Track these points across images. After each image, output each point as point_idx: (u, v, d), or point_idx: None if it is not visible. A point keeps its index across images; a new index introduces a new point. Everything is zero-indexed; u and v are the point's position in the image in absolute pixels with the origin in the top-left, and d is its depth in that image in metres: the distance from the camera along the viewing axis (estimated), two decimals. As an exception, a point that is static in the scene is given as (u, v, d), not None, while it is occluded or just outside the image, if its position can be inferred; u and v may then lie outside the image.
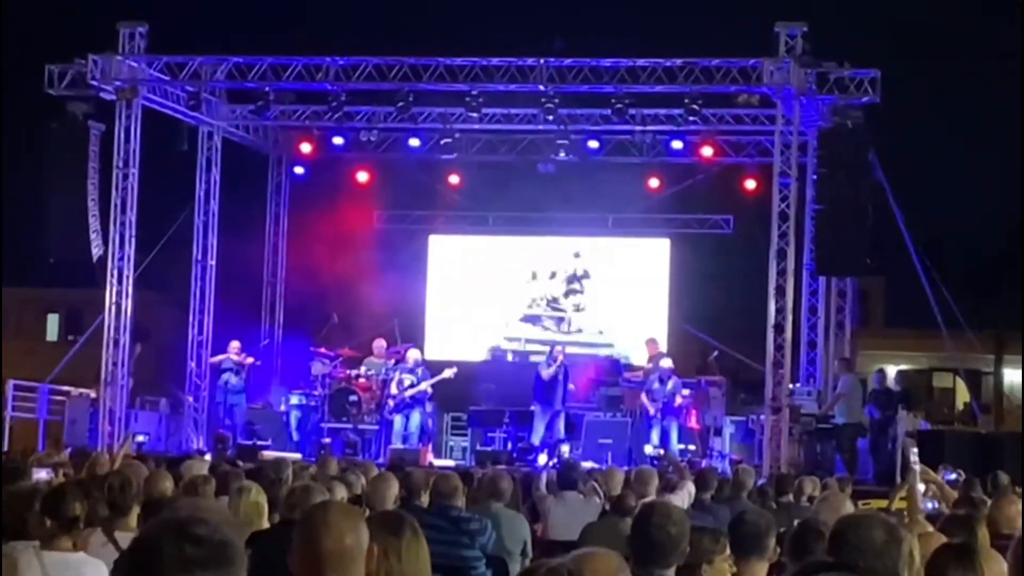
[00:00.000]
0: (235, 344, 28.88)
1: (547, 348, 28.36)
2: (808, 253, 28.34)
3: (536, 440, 26.74)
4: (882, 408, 26.91)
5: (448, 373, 27.23)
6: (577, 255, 32.99)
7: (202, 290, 30.66)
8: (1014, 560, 4.62)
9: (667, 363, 27.12)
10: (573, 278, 32.99)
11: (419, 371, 27.27)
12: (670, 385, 26.62)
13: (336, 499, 9.96)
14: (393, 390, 27.14)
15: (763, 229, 26.70)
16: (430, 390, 27.26)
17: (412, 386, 27.02)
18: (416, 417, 27.04)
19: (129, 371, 27.85)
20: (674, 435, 26.46)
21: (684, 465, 22.03)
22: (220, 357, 28.88)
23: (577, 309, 32.89)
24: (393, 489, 11.56)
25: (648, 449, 25.75)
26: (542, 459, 25.68)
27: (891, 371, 31.02)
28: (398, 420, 26.98)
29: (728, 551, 7.27)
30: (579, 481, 15.02)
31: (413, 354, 27.72)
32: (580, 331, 32.77)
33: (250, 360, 28.82)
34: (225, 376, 28.50)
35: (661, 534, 6.80)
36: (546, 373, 26.91)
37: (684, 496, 14.57)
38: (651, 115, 29.52)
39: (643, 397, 26.87)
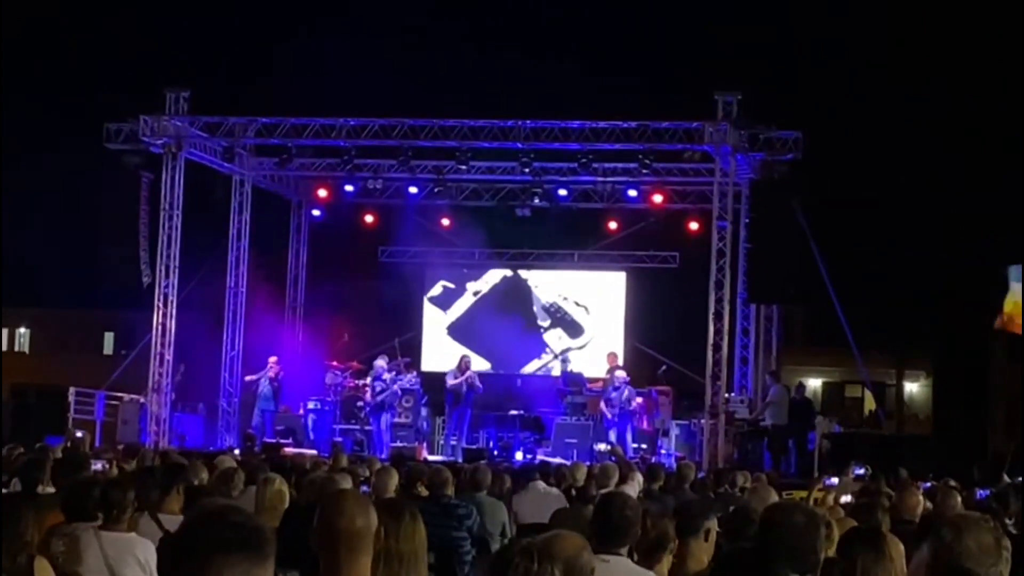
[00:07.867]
0: (273, 359, 28.80)
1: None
2: (741, 284, 28.42)
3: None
4: (802, 414, 27.02)
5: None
6: (565, 297, 33.00)
7: (234, 313, 30.67)
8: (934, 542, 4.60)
9: (621, 374, 27.15)
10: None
11: (386, 377, 27.24)
12: (625, 393, 26.66)
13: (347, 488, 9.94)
14: (368, 397, 27.25)
15: (704, 264, 26.76)
16: (400, 392, 27.24)
17: (383, 391, 27.06)
18: (384, 419, 27.03)
19: (173, 382, 27.88)
20: (629, 436, 26.48)
21: (637, 460, 22.04)
22: (255, 376, 28.72)
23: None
24: (394, 480, 11.56)
25: (601, 447, 25.71)
26: (519, 456, 25.74)
27: (798, 384, 31.15)
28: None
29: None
30: (545, 475, 14.99)
31: (378, 363, 27.71)
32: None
33: (280, 373, 28.70)
34: (262, 385, 28.40)
35: (619, 518, 6.81)
36: (451, 383, 27.25)
37: (635, 486, 14.52)
38: (611, 168, 29.54)
39: (601, 404, 26.88)
